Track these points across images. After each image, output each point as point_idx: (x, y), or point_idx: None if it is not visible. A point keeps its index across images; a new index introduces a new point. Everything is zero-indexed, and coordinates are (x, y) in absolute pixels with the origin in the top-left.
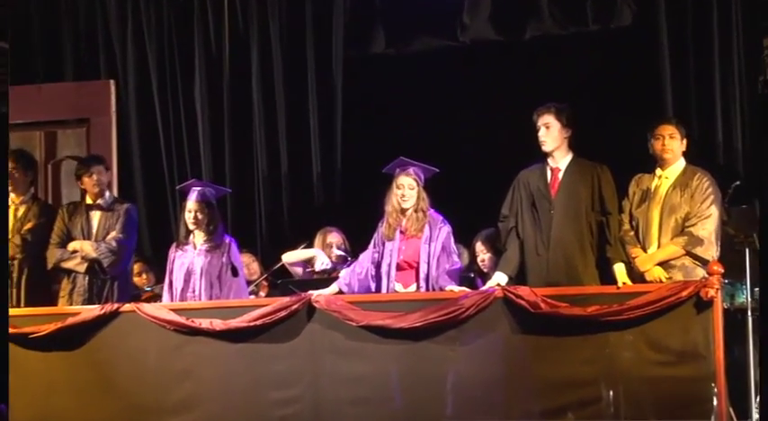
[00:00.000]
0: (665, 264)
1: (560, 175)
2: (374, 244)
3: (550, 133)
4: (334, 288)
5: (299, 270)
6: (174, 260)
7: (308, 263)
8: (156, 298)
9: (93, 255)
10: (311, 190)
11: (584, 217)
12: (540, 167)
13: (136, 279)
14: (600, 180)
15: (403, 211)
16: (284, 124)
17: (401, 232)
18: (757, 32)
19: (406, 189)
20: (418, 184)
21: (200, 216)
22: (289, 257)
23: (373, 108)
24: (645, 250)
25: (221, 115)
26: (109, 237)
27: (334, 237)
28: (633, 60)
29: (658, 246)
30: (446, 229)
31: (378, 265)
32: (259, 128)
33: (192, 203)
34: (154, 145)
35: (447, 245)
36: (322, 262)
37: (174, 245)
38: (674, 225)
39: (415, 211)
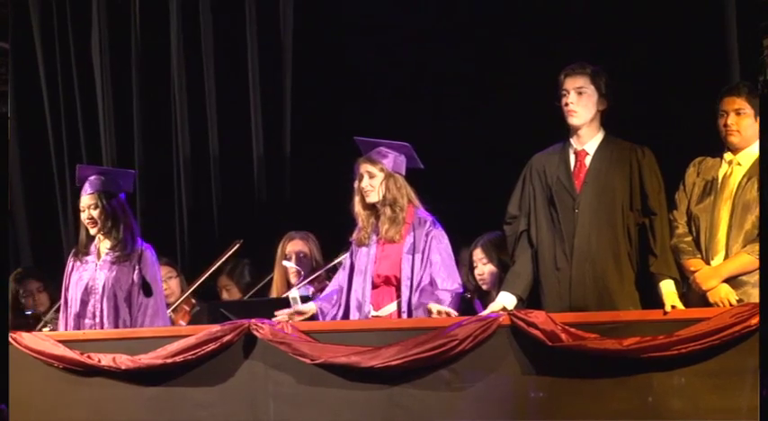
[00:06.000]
0: (734, 281)
1: (588, 161)
2: (350, 255)
3: (583, 101)
4: (311, 306)
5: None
6: (70, 273)
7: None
8: (44, 325)
9: None
10: (250, 179)
11: (619, 218)
12: (559, 150)
13: (27, 301)
14: (641, 167)
15: (371, 209)
16: (213, 91)
17: (377, 237)
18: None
19: (366, 178)
20: (383, 170)
21: (95, 213)
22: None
23: (335, 69)
24: (708, 262)
25: (127, 80)
26: None
27: (295, 247)
28: (690, 10)
29: (726, 256)
30: (437, 234)
31: (348, 283)
32: (180, 96)
33: (85, 198)
34: (36, 122)
35: (441, 256)
36: (294, 297)
37: (73, 252)
38: (749, 228)
39: (389, 207)
